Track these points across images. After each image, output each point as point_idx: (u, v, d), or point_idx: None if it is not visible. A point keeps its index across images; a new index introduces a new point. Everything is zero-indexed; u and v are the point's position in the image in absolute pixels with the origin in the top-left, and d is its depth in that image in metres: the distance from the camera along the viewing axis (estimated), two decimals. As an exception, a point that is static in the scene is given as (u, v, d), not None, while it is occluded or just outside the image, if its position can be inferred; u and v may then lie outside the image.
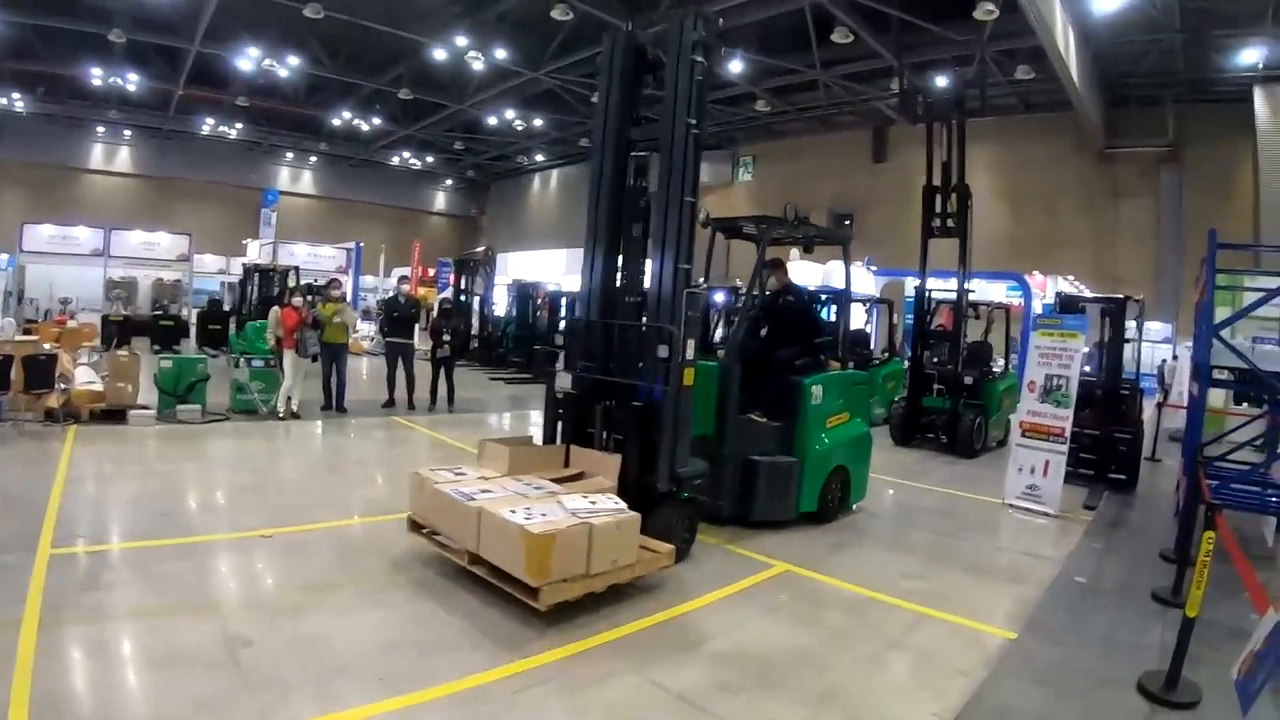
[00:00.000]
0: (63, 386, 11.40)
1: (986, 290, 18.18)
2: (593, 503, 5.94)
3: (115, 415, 11.48)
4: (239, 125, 36.30)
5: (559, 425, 7.29)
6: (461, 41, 24.65)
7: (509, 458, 6.81)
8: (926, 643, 5.51)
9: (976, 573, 7.23)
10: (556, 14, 21.64)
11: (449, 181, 49.88)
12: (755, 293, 8.78)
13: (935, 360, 14.13)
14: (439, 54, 25.80)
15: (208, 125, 36.04)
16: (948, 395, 13.33)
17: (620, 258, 7.34)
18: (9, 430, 10.53)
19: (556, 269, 31.19)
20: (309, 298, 13.41)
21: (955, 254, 13.31)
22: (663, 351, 6.61)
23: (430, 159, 43.62)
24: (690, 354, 6.66)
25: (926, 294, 14.16)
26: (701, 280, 8.29)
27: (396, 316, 14.66)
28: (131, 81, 29.06)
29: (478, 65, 26.18)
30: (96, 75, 28.26)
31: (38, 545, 6.15)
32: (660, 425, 6.62)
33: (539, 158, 42.35)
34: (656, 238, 6.84)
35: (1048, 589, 6.80)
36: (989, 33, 18.97)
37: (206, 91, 30.90)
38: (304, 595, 5.55)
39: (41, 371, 11.00)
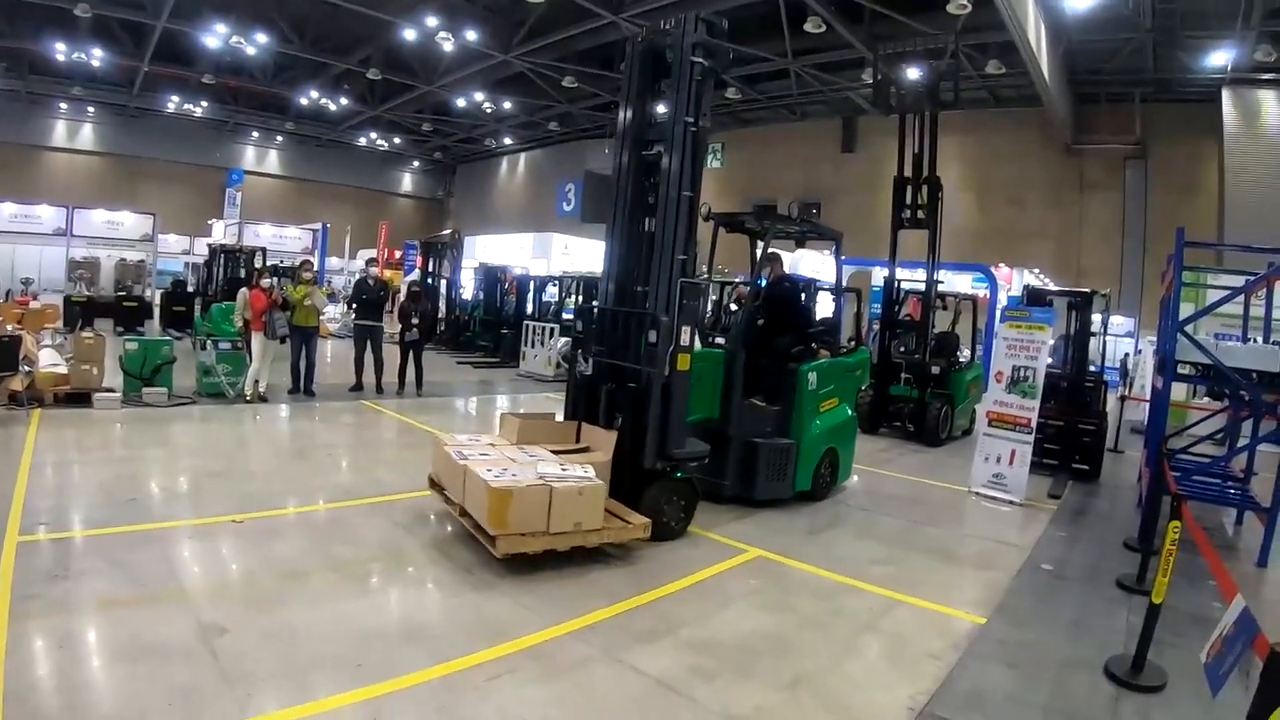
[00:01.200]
0: (26, 369, 11.13)
1: (953, 281, 18.34)
2: (564, 469, 6.38)
3: (80, 399, 11.27)
4: (205, 104, 35.93)
5: (576, 405, 7.79)
6: (432, 22, 24.57)
7: (519, 429, 7.47)
8: (898, 627, 5.58)
9: (945, 559, 7.35)
10: (527, -5, 21.35)
11: (416, 163, 49.68)
12: (758, 283, 9.27)
13: (902, 350, 14.26)
14: (408, 34, 25.75)
15: (173, 103, 35.61)
16: (914, 384, 13.48)
17: (637, 250, 7.60)
18: None
19: (524, 253, 31.15)
20: (276, 279, 13.27)
21: (923, 245, 13.41)
22: (651, 336, 6.97)
23: (398, 140, 43.38)
24: (686, 340, 7.05)
25: (895, 284, 14.22)
26: (704, 269, 8.82)
27: (365, 299, 14.50)
28: (96, 57, 28.70)
29: (447, 46, 26.16)
30: (60, 51, 27.94)
31: (4, 534, 6.02)
32: (651, 407, 6.95)
33: (507, 141, 42.19)
34: (658, 230, 7.12)
35: (1015, 575, 6.91)
36: (961, 26, 19.07)
37: (172, 69, 30.59)
38: (277, 582, 5.50)
39: (4, 353, 10.66)
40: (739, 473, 8.25)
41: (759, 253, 8.85)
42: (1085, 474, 11.39)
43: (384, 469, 9.12)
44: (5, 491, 7.08)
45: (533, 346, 19.24)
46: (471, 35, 25.39)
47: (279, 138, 42.65)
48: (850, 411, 9.54)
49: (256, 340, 12.38)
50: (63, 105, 36.68)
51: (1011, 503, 9.50)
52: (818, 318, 10.59)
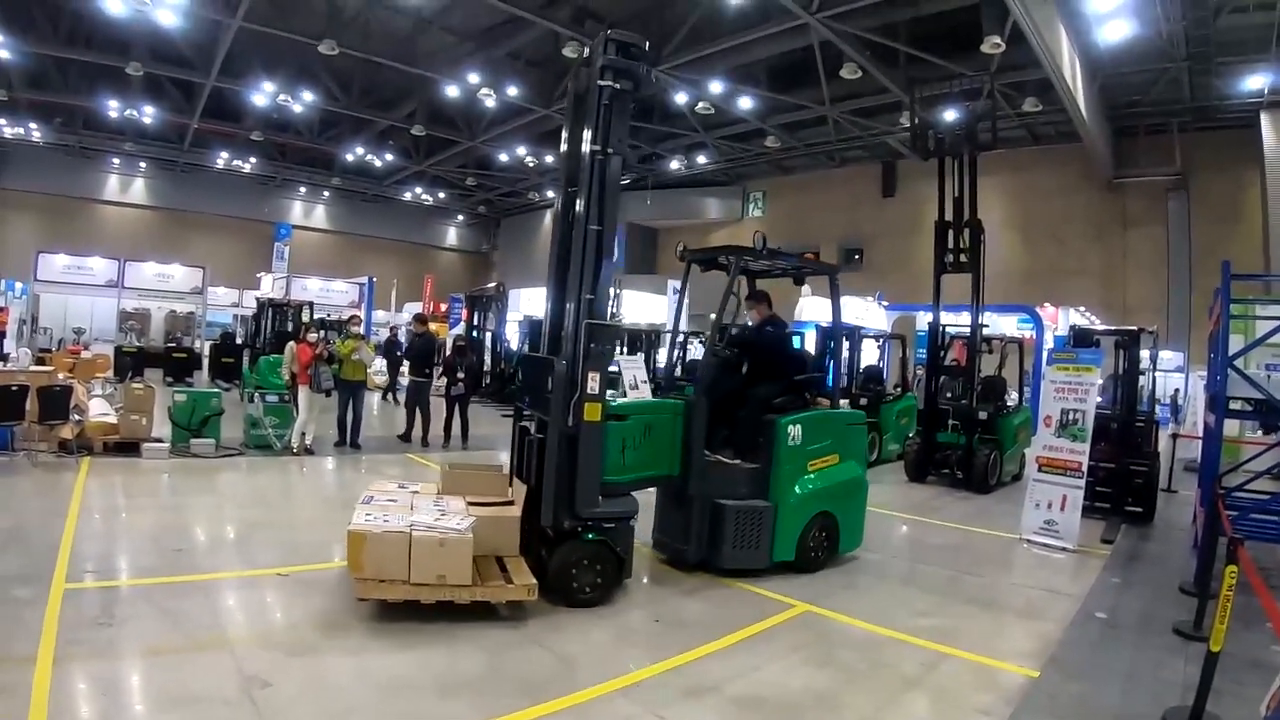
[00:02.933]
0: (76, 418, 11.40)
1: (998, 323, 18.17)
2: (437, 520, 6.20)
3: (129, 448, 11.50)
4: (253, 159, 36.58)
5: (517, 457, 7.35)
6: (474, 78, 24.89)
7: (444, 478, 7.47)
8: (945, 682, 5.43)
9: (994, 609, 7.17)
10: (568, 51, 21.80)
11: (460, 217, 50.17)
12: (728, 326, 8.60)
13: (949, 395, 14.08)
14: (451, 91, 26.10)
15: (222, 159, 36.35)
16: (962, 430, 13.20)
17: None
18: (22, 461, 10.59)
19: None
20: (323, 333, 13.42)
21: (966, 287, 13.26)
22: (547, 384, 6.56)
23: (442, 195, 43.81)
24: (595, 388, 6.42)
25: (940, 329, 13.96)
26: (613, 312, 8.09)
27: (419, 354, 14.71)
28: (147, 114, 29.40)
29: (490, 102, 26.43)
30: (113, 107, 28.61)
31: (51, 579, 6.14)
32: (546, 461, 6.46)
33: (550, 194, 41.93)
34: (573, 269, 6.60)
35: (1068, 625, 6.70)
36: (996, 65, 19.06)
37: (222, 125, 31.27)
38: (320, 635, 5.50)
39: (56, 402, 10.97)
40: (702, 537, 7.46)
41: (729, 292, 7.92)
42: (1139, 516, 11.11)
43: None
44: (53, 538, 7.22)
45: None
46: (513, 91, 25.71)
47: (325, 193, 43.31)
48: (858, 470, 8.48)
49: (303, 393, 12.45)
50: (115, 160, 37.47)
51: (1064, 549, 9.23)
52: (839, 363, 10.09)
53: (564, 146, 7.27)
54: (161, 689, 4.61)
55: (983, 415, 13.13)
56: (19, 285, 26.76)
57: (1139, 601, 7.53)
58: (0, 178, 35.61)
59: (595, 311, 6.51)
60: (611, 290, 7.12)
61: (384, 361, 22.31)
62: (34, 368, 13.98)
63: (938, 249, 13.49)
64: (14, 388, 10.82)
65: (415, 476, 11.81)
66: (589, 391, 6.40)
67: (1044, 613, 7.09)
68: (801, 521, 7.76)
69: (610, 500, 6.68)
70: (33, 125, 31.43)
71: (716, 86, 23.49)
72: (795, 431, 7.78)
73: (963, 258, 13.32)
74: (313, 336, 12.80)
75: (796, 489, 7.75)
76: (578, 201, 6.63)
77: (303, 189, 42.82)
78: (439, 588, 5.84)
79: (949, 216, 13.32)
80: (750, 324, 8.81)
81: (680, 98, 25.06)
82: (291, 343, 13.16)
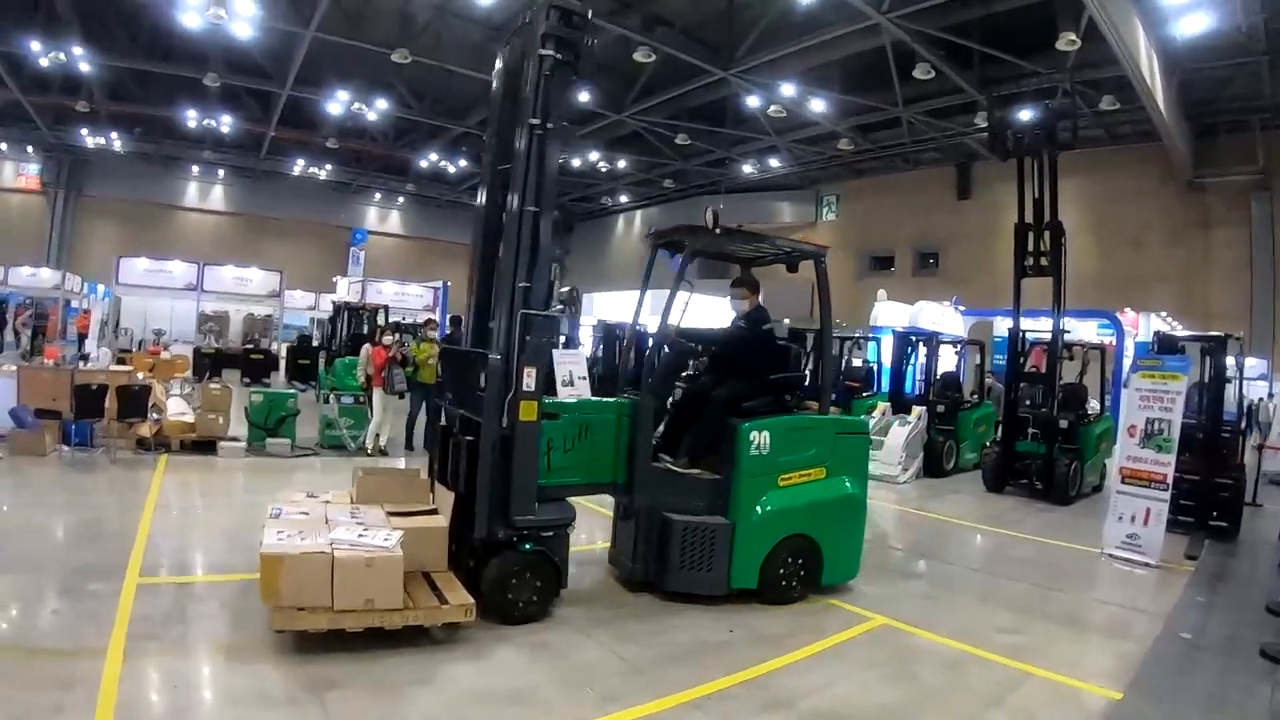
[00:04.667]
0: (155, 417, 11.73)
1: (1077, 329, 17.71)
2: (361, 535, 5.56)
3: (205, 446, 11.78)
4: (329, 166, 36.94)
5: (439, 459, 6.92)
6: (543, 85, 24.67)
7: (357, 485, 6.75)
8: (1027, 702, 5.24)
9: (1076, 627, 6.93)
10: (639, 56, 21.70)
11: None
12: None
13: (1029, 403, 13.68)
14: (523, 98, 25.91)
15: (298, 166, 36.72)
16: (1042, 439, 12.81)
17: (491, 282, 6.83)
18: (101, 458, 10.90)
19: (642, 310, 30.94)
20: (398, 336, 13.57)
21: (1044, 291, 12.90)
22: (481, 380, 6.13)
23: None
24: (530, 384, 5.99)
25: (1020, 335, 13.53)
26: (559, 304, 7.38)
27: None
28: (225, 123, 29.78)
29: (561, 108, 26.24)
30: (192, 117, 29.04)
31: (125, 574, 6.29)
32: (480, 465, 5.97)
33: (623, 198, 42.55)
34: (505, 256, 6.21)
35: (1151, 645, 6.43)
36: (1072, 63, 18.54)
37: (297, 133, 31.58)
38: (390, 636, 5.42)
39: (134, 401, 11.29)
40: (647, 553, 6.75)
41: (680, 277, 7.03)
42: (1223, 532, 10.64)
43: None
44: (129, 532, 7.43)
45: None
46: (584, 96, 25.39)
47: (400, 198, 43.59)
48: (852, 488, 7.35)
49: (378, 395, 12.62)
50: (195, 168, 38.07)
51: (1146, 565, 8.89)
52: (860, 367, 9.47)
53: (492, 125, 6.86)
54: (230, 686, 4.68)
55: (1063, 424, 12.75)
56: (101, 288, 27.47)
57: (1224, 621, 7.21)
58: (84, 185, 36.55)
59: (532, 301, 6.10)
60: (553, 279, 6.66)
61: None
62: (114, 367, 14.30)
63: (1017, 252, 13.10)
64: (94, 386, 11.13)
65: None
66: (525, 389, 5.98)
67: (1127, 631, 6.85)
68: (766, 544, 6.85)
69: (545, 507, 6.24)
70: (114, 135, 31.96)
71: (789, 89, 23.14)
72: (760, 439, 6.89)
73: (1043, 261, 12.91)
74: (388, 339, 13.00)
75: (761, 506, 6.86)
76: (512, 183, 6.21)
77: (378, 195, 43.19)
78: (367, 613, 5.23)
79: (1029, 218, 12.92)
80: (736, 314, 7.72)
81: (753, 101, 24.73)
82: (367, 345, 13.38)
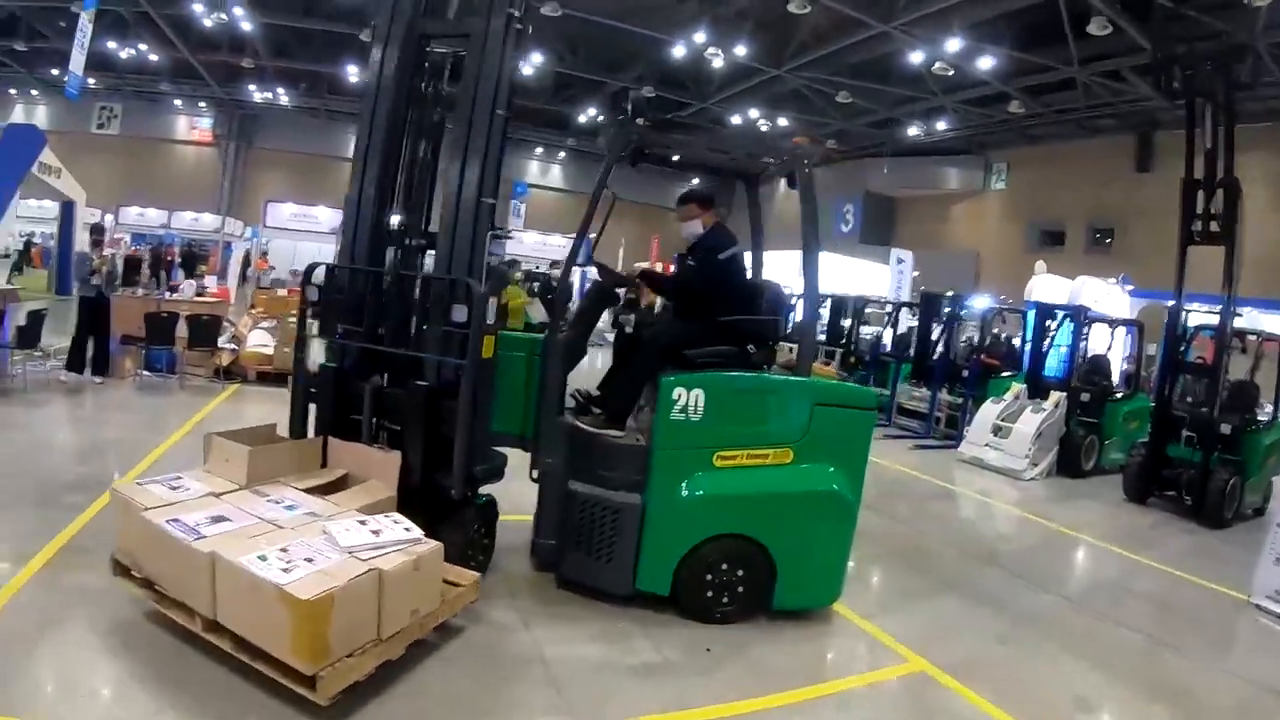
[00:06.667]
0: (232, 347, 12.14)
1: (1259, 320, 14.92)
2: (375, 531, 4.23)
3: (280, 379, 11.45)
4: (608, 136, 36.49)
5: (321, 413, 5.51)
6: (700, 38, 23.37)
7: (248, 461, 4.88)
8: None
9: (1187, 709, 4.94)
10: (793, 8, 19.98)
11: (695, 180, 48.38)
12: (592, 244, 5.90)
13: (1188, 400, 11.15)
14: (678, 51, 24.80)
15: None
16: (1198, 445, 10.27)
17: (400, 186, 5.76)
18: (173, 383, 11.53)
19: (790, 269, 29.32)
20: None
21: (1216, 271, 10.43)
22: (459, 314, 4.99)
23: (675, 157, 42.26)
24: (491, 318, 5.03)
25: (1182, 316, 10.98)
26: (505, 229, 6.08)
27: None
28: (383, 78, 30.02)
29: (718, 63, 24.94)
30: (353, 73, 29.40)
31: (107, 489, 5.71)
32: (455, 412, 4.94)
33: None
34: (454, 160, 5.20)
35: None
36: (1263, 22, 15.62)
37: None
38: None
39: (204, 331, 11.54)
40: (545, 528, 5.34)
41: (601, 185, 5.63)
42: None
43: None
44: (144, 451, 7.37)
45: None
46: (741, 50, 24.01)
47: (561, 153, 43.01)
48: (832, 483, 5.35)
49: None
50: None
51: (1308, 625, 6.68)
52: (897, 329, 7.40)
53: None
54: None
55: (1226, 429, 10.15)
56: (248, 230, 28.38)
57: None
58: (253, 138, 38.09)
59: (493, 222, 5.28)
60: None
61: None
62: (195, 298, 14.05)
63: (1184, 214, 10.57)
64: (163, 315, 11.48)
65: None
66: (487, 321, 5.00)
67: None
68: (686, 540, 5.15)
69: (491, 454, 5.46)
70: (280, 90, 33.22)
71: (954, 44, 20.76)
72: (689, 398, 5.16)
73: (1214, 226, 10.38)
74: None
75: (683, 489, 5.16)
76: (470, 78, 5.20)
77: (539, 149, 42.61)
78: (411, 628, 4.09)
79: (1198, 174, 10.38)
80: (687, 238, 6.08)
81: (916, 57, 22.45)
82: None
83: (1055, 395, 12.20)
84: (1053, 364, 13.37)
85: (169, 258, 27.57)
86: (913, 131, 30.12)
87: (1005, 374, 14.28)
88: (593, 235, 5.70)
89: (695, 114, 32.09)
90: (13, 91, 36.35)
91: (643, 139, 5.87)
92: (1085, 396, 12.45)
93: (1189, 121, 10.41)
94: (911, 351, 15.88)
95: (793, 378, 5.55)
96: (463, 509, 5.15)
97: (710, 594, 5.20)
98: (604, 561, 5.22)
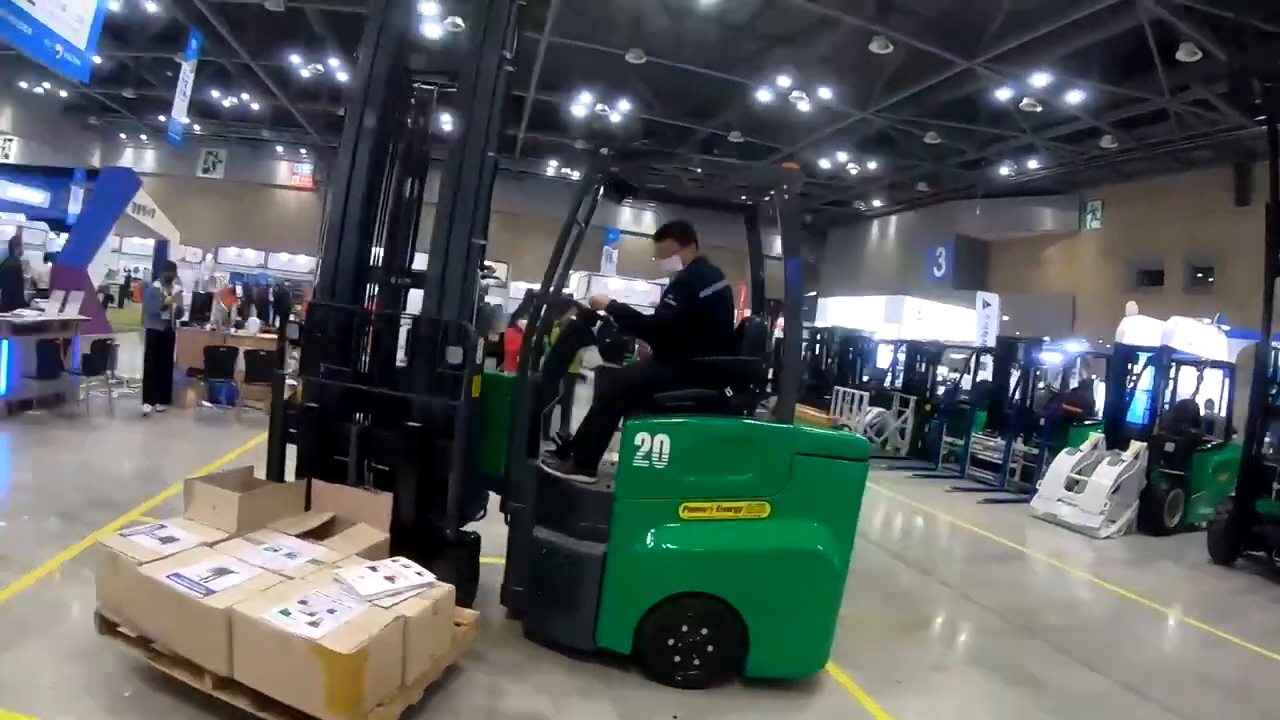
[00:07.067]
0: (293, 384, 11.87)
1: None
2: (389, 578, 4.18)
3: None
4: (582, 168, 36.71)
5: (304, 454, 5.31)
6: (784, 82, 23.14)
7: (238, 509, 4.66)
8: None
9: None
10: (875, 47, 19.52)
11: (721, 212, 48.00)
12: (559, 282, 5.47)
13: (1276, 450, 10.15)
14: (763, 96, 24.54)
15: (551, 167, 37.19)
16: (1294, 500, 9.22)
17: (383, 221, 5.62)
18: (232, 416, 12.00)
19: (875, 316, 28.75)
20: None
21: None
22: (454, 355, 4.90)
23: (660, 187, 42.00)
24: (479, 357, 5.06)
25: (1274, 355, 10.03)
26: (492, 266, 5.87)
27: None
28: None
29: (803, 106, 24.53)
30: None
31: (130, 510, 6.70)
32: (449, 452, 4.89)
33: (876, 203, 39.53)
34: (444, 200, 5.15)
35: None
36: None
37: (548, 136, 31.92)
38: None
39: (261, 365, 11.63)
40: (514, 574, 5.09)
41: (571, 218, 5.29)
42: None
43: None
44: (178, 478, 6.52)
45: (840, 415, 16.86)
46: (826, 94, 23.69)
47: (652, 200, 42.59)
48: (813, 540, 4.84)
49: None
50: None
51: None
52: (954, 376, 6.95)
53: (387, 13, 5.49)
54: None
55: None
56: None
57: None
58: None
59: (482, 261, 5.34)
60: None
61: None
62: (259, 334, 14.15)
63: (1270, 241, 9.67)
64: (221, 349, 12.04)
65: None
66: (476, 362, 5.00)
67: None
68: (648, 595, 4.74)
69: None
70: None
71: (1040, 79, 19.99)
72: (654, 444, 4.78)
73: None
74: (523, 322, 11.88)
75: (646, 540, 4.76)
76: (464, 116, 5.20)
77: (631, 199, 42.34)
78: (430, 673, 4.14)
79: None
80: (669, 275, 5.72)
81: (1003, 94, 21.67)
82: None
83: (1136, 445, 11.26)
84: (1138, 411, 12.43)
85: (263, 299, 28.33)
86: (1004, 171, 29.00)
87: (1088, 422, 13.35)
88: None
89: (784, 159, 31.55)
90: (123, 136, 39.10)
91: (621, 170, 5.69)
92: (1169, 446, 11.42)
93: (1271, 141, 9.52)
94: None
95: (768, 424, 5.03)
96: (454, 548, 5.05)
97: (677, 656, 4.77)
98: (565, 612, 4.91)
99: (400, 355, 5.63)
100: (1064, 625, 7.13)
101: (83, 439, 9.82)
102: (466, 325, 4.96)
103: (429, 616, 4.03)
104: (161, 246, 20.63)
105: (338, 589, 4.01)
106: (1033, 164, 27.91)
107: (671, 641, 4.75)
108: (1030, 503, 11.71)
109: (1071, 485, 11.27)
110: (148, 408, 11.57)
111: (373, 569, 4.25)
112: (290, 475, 5.29)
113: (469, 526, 5.43)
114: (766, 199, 5.93)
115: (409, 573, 4.27)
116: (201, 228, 28.07)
